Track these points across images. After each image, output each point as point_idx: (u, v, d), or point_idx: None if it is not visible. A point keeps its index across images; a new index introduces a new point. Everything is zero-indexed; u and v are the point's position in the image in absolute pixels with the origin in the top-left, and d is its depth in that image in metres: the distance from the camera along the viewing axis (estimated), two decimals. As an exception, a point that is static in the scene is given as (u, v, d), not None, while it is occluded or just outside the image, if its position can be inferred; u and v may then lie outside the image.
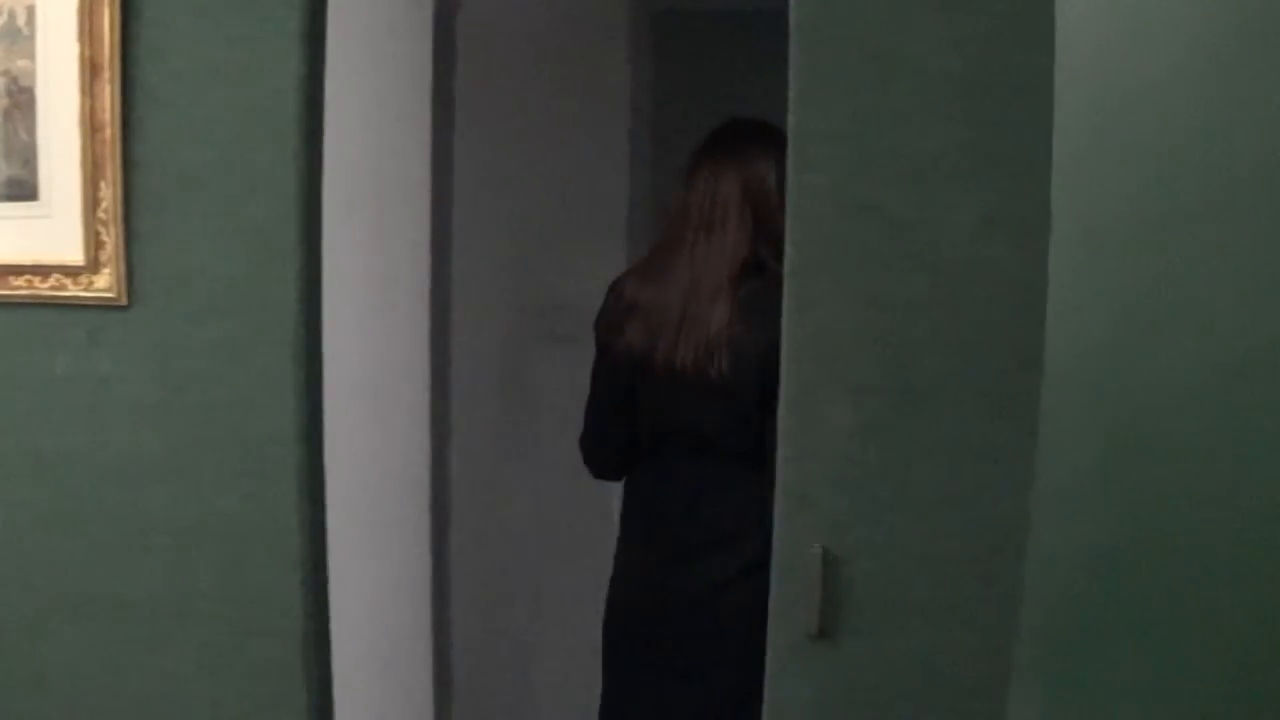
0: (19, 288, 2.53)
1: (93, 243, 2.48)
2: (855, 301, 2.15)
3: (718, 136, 3.42)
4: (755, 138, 3.35)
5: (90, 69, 2.45)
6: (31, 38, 2.47)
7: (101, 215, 2.47)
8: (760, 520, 2.78)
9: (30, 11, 2.47)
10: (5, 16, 2.48)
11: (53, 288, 2.51)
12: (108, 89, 2.44)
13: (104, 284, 2.48)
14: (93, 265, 2.48)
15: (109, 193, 2.46)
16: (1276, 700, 1.35)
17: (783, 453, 2.21)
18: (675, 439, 3.34)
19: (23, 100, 2.49)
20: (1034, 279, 2.02)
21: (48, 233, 2.51)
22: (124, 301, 2.49)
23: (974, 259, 2.10)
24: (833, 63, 2.14)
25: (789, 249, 2.18)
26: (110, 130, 2.45)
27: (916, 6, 2.11)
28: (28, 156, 2.50)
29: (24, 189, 2.51)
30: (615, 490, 4.87)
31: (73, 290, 2.50)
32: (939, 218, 2.11)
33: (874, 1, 2.12)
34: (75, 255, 2.49)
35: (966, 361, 2.12)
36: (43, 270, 2.51)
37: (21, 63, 2.49)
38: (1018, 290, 2.08)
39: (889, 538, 2.16)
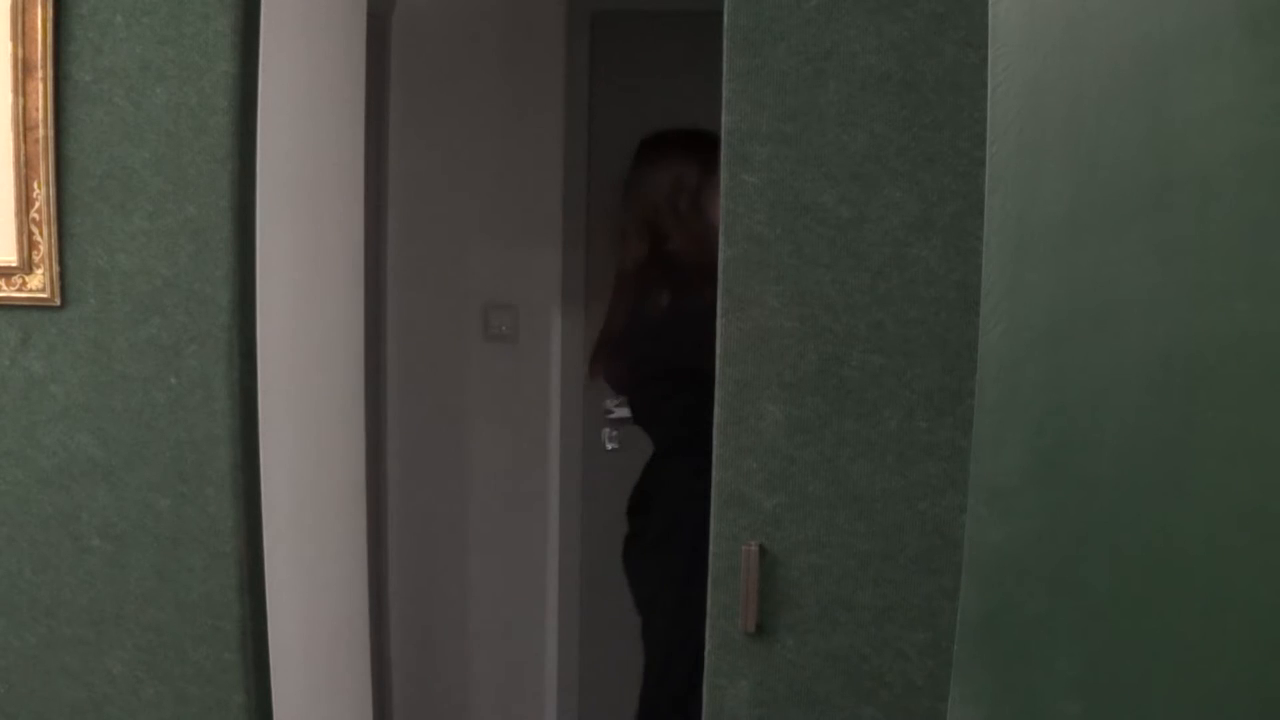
0: (-48, 289, 2.51)
1: (26, 243, 2.46)
2: (791, 300, 2.16)
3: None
4: (645, 152, 3.82)
5: (23, 68, 2.43)
6: (-39, 37, 2.46)
7: (35, 215, 2.45)
8: None
9: (-40, 10, 2.45)
10: (-65, 15, 2.46)
11: (-15, 288, 2.50)
12: (40, 88, 2.43)
13: (37, 284, 2.47)
14: (26, 265, 2.47)
15: (42, 193, 2.44)
16: (1215, 690, 1.37)
17: (718, 450, 2.22)
18: None
19: (-47, 100, 2.48)
20: (969, 277, 2.04)
21: (-21, 233, 2.49)
22: (57, 302, 2.48)
23: (909, 257, 2.12)
24: (767, 63, 2.15)
25: (723, 248, 2.18)
26: (43, 130, 2.44)
27: (850, 7, 2.12)
28: (-41, 157, 2.48)
29: (-44, 189, 2.49)
30: (550, 487, 4.89)
31: (6, 291, 2.48)
32: (874, 217, 2.13)
33: (808, 2, 2.13)
34: (8, 255, 2.47)
35: (903, 359, 2.14)
36: (-25, 271, 2.50)
37: (-48, 62, 2.47)
38: (953, 288, 2.10)
39: (826, 535, 2.18)
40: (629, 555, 3.90)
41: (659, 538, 3.64)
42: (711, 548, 2.24)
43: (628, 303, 3.80)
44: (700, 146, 3.50)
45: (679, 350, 3.40)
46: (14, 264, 2.47)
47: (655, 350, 3.71)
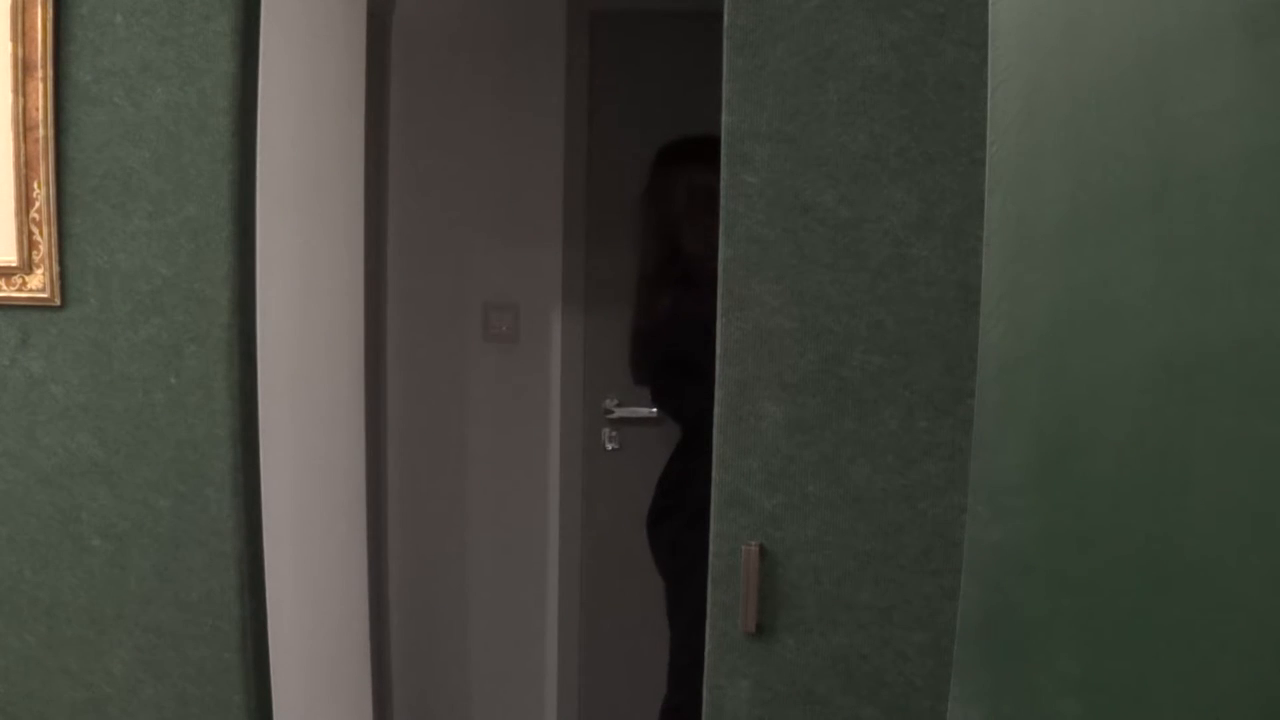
0: (-49, 288, 2.51)
1: (26, 243, 2.46)
2: (790, 300, 2.16)
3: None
4: (660, 162, 3.97)
5: (23, 68, 2.43)
6: (-38, 36, 2.46)
7: (34, 215, 2.45)
8: None
9: (-40, 10, 2.45)
10: (-65, 15, 2.46)
11: (-15, 288, 2.50)
12: (40, 88, 2.43)
13: (37, 284, 2.47)
14: (26, 265, 2.47)
15: (42, 193, 2.44)
16: (1215, 690, 1.37)
17: (718, 450, 2.22)
18: None
19: (-47, 99, 2.48)
20: (969, 277, 2.04)
21: (-21, 233, 2.49)
22: (57, 302, 2.48)
23: (909, 257, 2.12)
24: (767, 63, 2.15)
25: (723, 248, 2.18)
26: (43, 130, 2.44)
27: (850, 7, 2.12)
28: (-42, 156, 2.48)
29: (-45, 189, 2.49)
30: (550, 487, 4.89)
31: (6, 291, 2.48)
32: (874, 216, 2.13)
33: (808, 2, 2.13)
34: (8, 255, 2.47)
35: (903, 359, 2.13)
36: (-25, 271, 2.50)
37: (-49, 62, 2.47)
38: (953, 288, 2.09)
39: (827, 535, 2.18)
40: (662, 529, 3.97)
41: (699, 511, 3.75)
42: (711, 548, 2.23)
43: (644, 302, 3.96)
44: (714, 154, 3.71)
45: (683, 346, 3.71)
46: (14, 264, 2.47)
47: (662, 344, 3.90)
